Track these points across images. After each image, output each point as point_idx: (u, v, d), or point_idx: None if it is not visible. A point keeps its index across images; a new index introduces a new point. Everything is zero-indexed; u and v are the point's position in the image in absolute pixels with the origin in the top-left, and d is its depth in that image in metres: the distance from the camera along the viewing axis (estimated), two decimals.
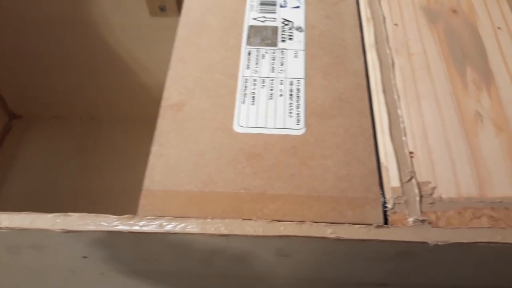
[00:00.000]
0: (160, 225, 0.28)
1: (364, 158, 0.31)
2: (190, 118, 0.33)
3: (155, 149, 0.32)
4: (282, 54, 0.37)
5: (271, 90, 0.35)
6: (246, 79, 0.36)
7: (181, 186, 0.30)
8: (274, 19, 0.40)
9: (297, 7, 0.41)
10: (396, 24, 0.39)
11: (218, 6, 0.41)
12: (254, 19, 0.40)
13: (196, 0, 0.41)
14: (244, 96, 0.35)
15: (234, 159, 0.31)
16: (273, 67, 0.36)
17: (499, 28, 0.39)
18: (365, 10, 0.41)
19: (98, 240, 0.29)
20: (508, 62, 0.37)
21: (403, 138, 0.32)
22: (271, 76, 0.36)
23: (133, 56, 0.76)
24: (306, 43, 0.38)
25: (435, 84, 0.35)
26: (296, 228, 0.28)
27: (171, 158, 0.31)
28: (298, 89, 0.35)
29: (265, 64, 0.37)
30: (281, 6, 0.41)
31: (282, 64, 0.37)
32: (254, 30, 0.39)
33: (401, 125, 0.33)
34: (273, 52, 0.37)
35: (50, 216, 0.28)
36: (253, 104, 0.34)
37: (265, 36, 0.39)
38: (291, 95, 0.35)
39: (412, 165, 0.31)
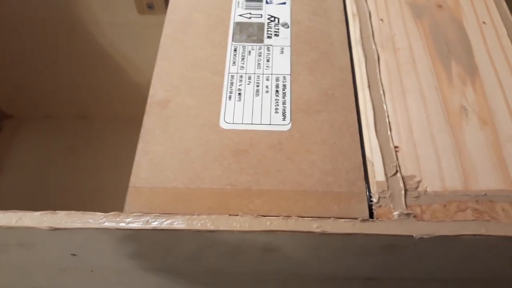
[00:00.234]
0: (147, 222, 0.28)
1: (349, 152, 0.32)
2: (176, 115, 0.33)
3: (141, 146, 0.32)
4: (268, 50, 0.37)
5: (257, 86, 0.35)
6: (232, 76, 0.36)
7: (167, 183, 0.30)
8: (260, 16, 0.40)
9: (283, 3, 0.41)
10: (381, 20, 0.40)
11: (204, 3, 0.41)
12: (240, 15, 0.40)
13: None
14: (230, 93, 0.35)
15: (220, 156, 0.31)
16: (259, 64, 0.36)
17: (484, 22, 0.40)
18: (351, 5, 0.41)
19: (88, 238, 0.29)
20: (492, 57, 0.37)
21: (388, 133, 0.32)
22: (257, 73, 0.36)
23: (123, 54, 0.76)
24: (292, 39, 0.38)
25: (421, 78, 0.35)
26: (282, 223, 0.28)
27: (157, 155, 0.31)
28: (284, 85, 0.35)
29: (251, 60, 0.37)
30: (267, 3, 0.41)
31: (268, 61, 0.37)
32: (240, 27, 0.39)
33: (387, 120, 0.33)
34: (259, 49, 0.38)
35: (37, 214, 0.28)
36: (239, 100, 0.34)
37: (251, 33, 0.39)
38: (277, 91, 0.35)
39: (397, 159, 0.31)
